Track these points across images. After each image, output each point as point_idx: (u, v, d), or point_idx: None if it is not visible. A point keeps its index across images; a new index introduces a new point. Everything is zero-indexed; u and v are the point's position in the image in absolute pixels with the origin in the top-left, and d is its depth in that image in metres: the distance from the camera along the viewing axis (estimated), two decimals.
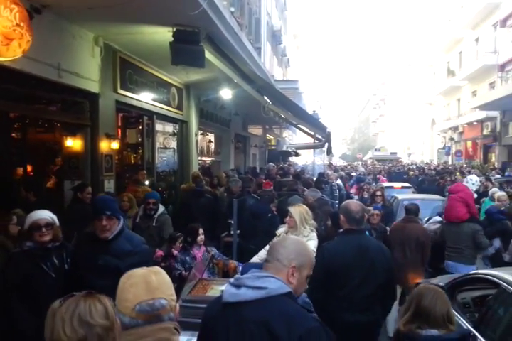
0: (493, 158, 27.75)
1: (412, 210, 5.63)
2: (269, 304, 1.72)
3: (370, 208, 5.75)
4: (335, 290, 3.09)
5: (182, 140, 9.75)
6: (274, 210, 6.29)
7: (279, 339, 1.65)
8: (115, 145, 6.67)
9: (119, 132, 7.86)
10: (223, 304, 1.78)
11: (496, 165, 24.27)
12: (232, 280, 1.85)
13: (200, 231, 4.85)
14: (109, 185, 6.58)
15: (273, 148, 23.65)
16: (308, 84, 48.84)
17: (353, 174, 18.34)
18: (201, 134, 11.48)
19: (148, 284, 1.48)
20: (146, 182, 7.41)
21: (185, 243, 4.80)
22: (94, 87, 6.18)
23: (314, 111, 19.29)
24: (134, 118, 8.27)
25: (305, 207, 4.68)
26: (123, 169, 8.26)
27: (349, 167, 25.14)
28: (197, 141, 10.32)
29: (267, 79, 10.67)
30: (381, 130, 65.68)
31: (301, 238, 4.26)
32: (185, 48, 5.38)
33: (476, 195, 6.55)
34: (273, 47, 22.10)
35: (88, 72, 6.00)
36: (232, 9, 11.06)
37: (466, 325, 3.40)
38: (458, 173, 16.85)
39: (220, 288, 4.05)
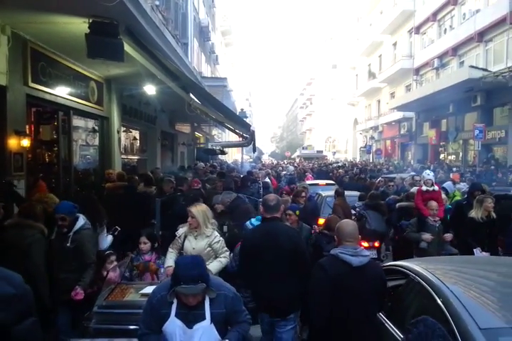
0: (410, 156, 29.74)
1: (363, 197, 7.56)
2: (374, 264, 3.42)
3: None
4: (253, 268, 3.79)
5: (103, 137, 9.30)
6: None
7: (384, 281, 3.30)
8: (26, 142, 6.20)
9: (32, 128, 7.31)
10: (353, 267, 3.08)
11: (412, 163, 26.04)
12: (351, 251, 3.13)
13: (142, 239, 4.61)
14: (20, 186, 6.10)
15: (202, 146, 23.44)
16: (238, 82, 49.06)
17: (284, 173, 18.48)
18: (124, 131, 11.02)
19: None
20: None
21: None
22: (0, 80, 5.68)
23: (242, 110, 19.36)
24: (49, 113, 7.72)
25: (205, 205, 4.59)
26: (37, 168, 7.70)
27: (280, 167, 24.90)
28: (119, 138, 9.90)
29: (193, 76, 10.51)
30: (308, 129, 67.75)
31: (210, 237, 4.31)
32: (103, 41, 5.12)
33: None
34: (201, 43, 21.87)
35: None
36: (157, 3, 10.77)
37: (381, 314, 3.56)
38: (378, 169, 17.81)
39: (140, 292, 3.90)
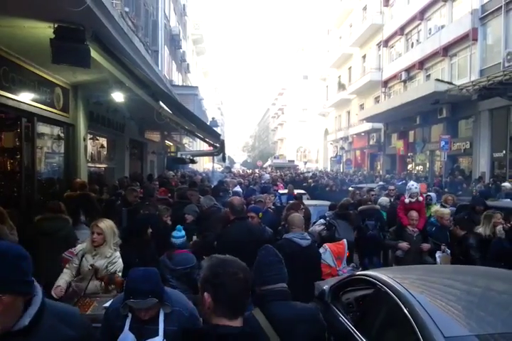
0: (379, 166, 30.31)
1: (333, 207, 7.77)
2: (313, 245, 4.58)
3: None
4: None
5: (68, 144, 9.02)
6: (168, 219, 6.04)
7: (319, 256, 4.85)
8: None
9: None
10: (302, 247, 4.25)
11: (380, 173, 26.53)
12: (300, 236, 4.32)
13: None
14: None
15: (173, 154, 23.15)
16: (210, 91, 49.04)
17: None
18: (91, 139, 10.74)
19: None
20: None
21: None
22: None
23: (213, 118, 19.29)
24: (12, 120, 7.43)
25: (110, 221, 4.08)
26: None
27: (254, 175, 24.25)
28: (86, 146, 9.63)
29: (163, 84, 10.40)
30: (280, 138, 68.25)
31: (109, 258, 3.94)
32: (69, 46, 4.98)
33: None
34: (171, 51, 21.75)
35: None
36: (127, 9, 10.67)
37: (349, 324, 3.55)
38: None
39: (103, 305, 3.74)
